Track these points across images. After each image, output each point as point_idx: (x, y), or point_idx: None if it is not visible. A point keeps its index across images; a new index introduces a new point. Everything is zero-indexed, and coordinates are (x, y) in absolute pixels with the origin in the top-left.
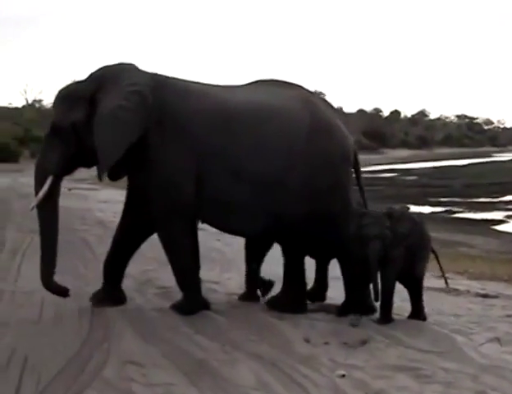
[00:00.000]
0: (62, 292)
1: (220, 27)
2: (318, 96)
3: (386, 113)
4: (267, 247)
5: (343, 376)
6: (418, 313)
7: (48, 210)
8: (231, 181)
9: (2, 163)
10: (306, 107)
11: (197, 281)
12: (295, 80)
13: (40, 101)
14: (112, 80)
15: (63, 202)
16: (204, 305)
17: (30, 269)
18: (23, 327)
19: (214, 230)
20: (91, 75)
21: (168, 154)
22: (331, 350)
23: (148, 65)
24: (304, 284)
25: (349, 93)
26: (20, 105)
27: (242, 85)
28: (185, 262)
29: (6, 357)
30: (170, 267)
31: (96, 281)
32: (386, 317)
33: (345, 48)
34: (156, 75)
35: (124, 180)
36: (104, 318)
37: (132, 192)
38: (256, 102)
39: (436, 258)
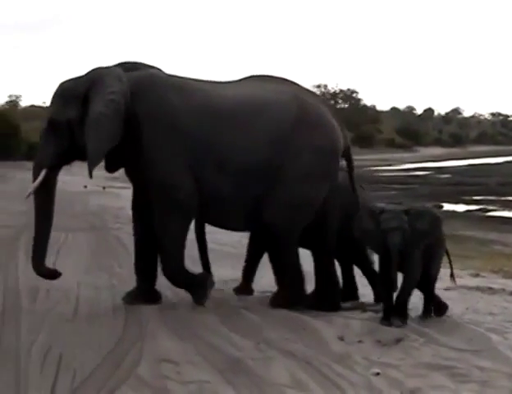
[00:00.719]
0: (54, 276)
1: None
2: (309, 91)
3: (419, 111)
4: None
5: (377, 374)
6: (429, 312)
7: (42, 200)
8: (219, 175)
9: None
10: (294, 100)
11: (190, 276)
12: (330, 78)
13: None
14: (98, 83)
15: (98, 200)
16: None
17: (65, 267)
18: (58, 325)
19: None
20: (87, 74)
21: (163, 153)
22: (365, 348)
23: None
24: (300, 273)
25: (383, 91)
26: None
27: (234, 81)
28: (179, 261)
29: (42, 354)
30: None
31: (130, 279)
32: (403, 316)
33: (379, 46)
34: (143, 76)
35: None
36: (139, 316)
37: (135, 189)
38: (244, 96)
39: (448, 256)
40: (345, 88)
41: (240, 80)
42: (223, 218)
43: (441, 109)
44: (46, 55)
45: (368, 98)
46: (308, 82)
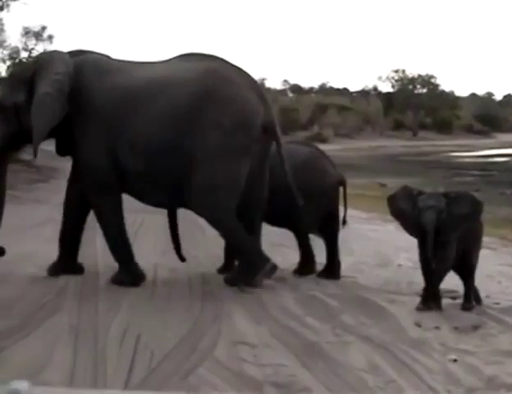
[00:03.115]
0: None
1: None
2: (234, 68)
3: (498, 97)
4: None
5: (455, 361)
6: (470, 300)
7: None
8: (133, 154)
9: None
10: (204, 78)
11: (128, 253)
12: (409, 63)
13: None
14: (44, 67)
15: None
16: (140, 277)
17: (142, 249)
18: (136, 305)
19: None
20: (35, 59)
21: (85, 135)
22: (442, 334)
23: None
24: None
25: (462, 76)
26: None
27: (160, 61)
28: (116, 236)
29: (120, 334)
30: (281, 249)
31: (206, 262)
32: (434, 300)
33: (459, 31)
34: (81, 59)
35: None
36: (215, 298)
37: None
38: (153, 76)
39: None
40: (423, 73)
41: (169, 59)
42: (148, 195)
43: None
44: (127, 35)
45: (446, 84)
46: (386, 67)
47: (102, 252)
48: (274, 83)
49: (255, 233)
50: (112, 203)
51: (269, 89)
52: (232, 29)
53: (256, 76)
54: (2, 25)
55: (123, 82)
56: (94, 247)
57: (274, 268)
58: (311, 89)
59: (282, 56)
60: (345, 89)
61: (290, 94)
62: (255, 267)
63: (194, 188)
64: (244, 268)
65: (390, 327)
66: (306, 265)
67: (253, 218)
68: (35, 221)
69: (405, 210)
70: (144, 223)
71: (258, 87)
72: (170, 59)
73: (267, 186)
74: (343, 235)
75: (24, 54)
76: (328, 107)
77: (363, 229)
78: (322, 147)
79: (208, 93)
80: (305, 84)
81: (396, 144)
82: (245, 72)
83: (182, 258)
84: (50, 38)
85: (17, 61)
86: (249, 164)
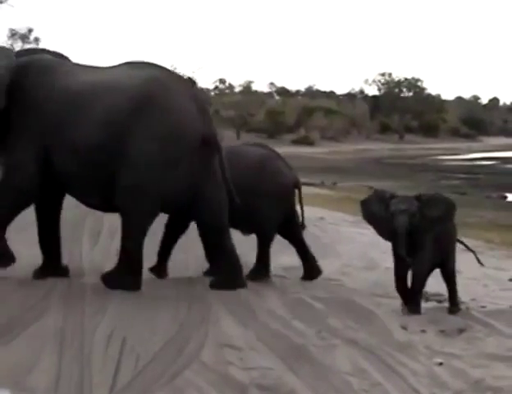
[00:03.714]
0: None
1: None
2: (176, 78)
3: (484, 101)
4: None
5: (441, 364)
6: (455, 304)
7: None
8: (68, 156)
9: None
10: (145, 86)
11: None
12: (395, 67)
13: None
14: None
15: None
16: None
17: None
18: (122, 308)
19: (311, 216)
20: None
21: (20, 131)
22: (428, 338)
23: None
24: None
25: (448, 80)
26: None
27: (109, 66)
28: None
29: (106, 337)
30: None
31: (194, 265)
32: (415, 305)
33: (444, 35)
34: (30, 57)
35: None
36: (202, 301)
37: None
38: (99, 81)
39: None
40: (409, 76)
41: (117, 65)
42: (81, 196)
43: (506, 99)
44: (114, 38)
45: (432, 87)
46: (372, 71)
47: (87, 254)
48: (260, 86)
49: (225, 236)
50: (15, 207)
51: (256, 92)
52: (219, 32)
53: (242, 79)
54: None
55: (66, 84)
56: (80, 249)
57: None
58: (297, 92)
59: (269, 58)
60: (332, 92)
61: (277, 97)
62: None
63: (123, 192)
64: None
65: (376, 331)
66: (260, 269)
67: (220, 224)
68: (19, 224)
69: (378, 214)
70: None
71: (199, 98)
72: (117, 65)
73: (224, 191)
74: (329, 238)
75: None
76: (315, 110)
77: (349, 232)
78: (309, 150)
79: (146, 102)
80: (292, 86)
81: (383, 147)
82: (187, 83)
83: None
84: (36, 40)
85: None
86: (187, 174)
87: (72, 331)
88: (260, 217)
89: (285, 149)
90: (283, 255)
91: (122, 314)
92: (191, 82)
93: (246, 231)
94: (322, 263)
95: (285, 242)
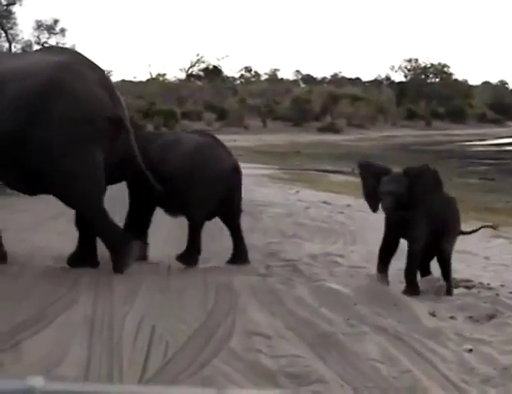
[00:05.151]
0: None
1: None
2: (90, 63)
3: None
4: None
5: (470, 350)
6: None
7: None
8: None
9: None
10: (55, 72)
11: None
12: (421, 52)
13: (164, 75)
14: None
15: None
16: None
17: (156, 239)
18: (151, 297)
19: (338, 203)
20: None
21: None
22: (457, 324)
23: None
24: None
25: (475, 65)
26: (144, 79)
27: (23, 52)
28: None
29: (135, 326)
30: (294, 239)
31: (224, 253)
32: (413, 286)
33: (471, 20)
34: None
35: (249, 154)
36: (230, 289)
37: None
38: (9, 66)
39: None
40: (436, 62)
41: (32, 51)
42: (7, 181)
43: None
44: (136, 30)
45: (459, 73)
46: (398, 57)
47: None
48: (286, 73)
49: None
50: None
51: (282, 80)
52: (245, 20)
53: (268, 67)
54: (15, 18)
55: None
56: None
57: (143, 248)
58: (323, 80)
59: (294, 46)
60: (358, 79)
61: (303, 85)
62: (121, 250)
63: (56, 178)
64: (113, 252)
65: (404, 317)
66: (189, 254)
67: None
68: (48, 215)
69: (370, 191)
70: (158, 214)
71: (108, 82)
72: (32, 51)
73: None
74: (357, 225)
75: (36, 48)
76: (341, 97)
77: (377, 219)
78: (335, 137)
79: (55, 86)
80: (317, 74)
81: (409, 134)
82: (99, 68)
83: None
84: (62, 31)
85: None
86: (101, 154)
87: (102, 320)
88: (193, 201)
89: (311, 137)
90: (310, 243)
91: (151, 303)
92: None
93: (177, 213)
94: (349, 249)
95: (314, 230)
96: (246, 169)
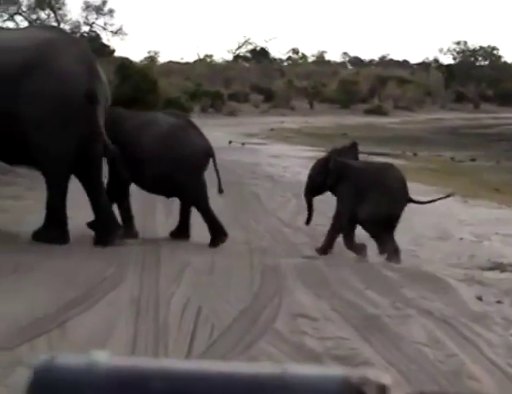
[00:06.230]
0: None
1: None
2: (74, 41)
3: None
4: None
5: None
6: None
7: None
8: None
9: None
10: (37, 48)
11: None
12: (471, 35)
13: (211, 56)
14: None
15: (236, 156)
16: None
17: (201, 222)
18: (196, 278)
19: None
20: None
21: None
22: (504, 308)
23: None
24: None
25: None
26: (191, 60)
27: (10, 29)
28: None
29: (181, 307)
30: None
31: (267, 235)
32: (323, 248)
33: None
34: None
35: (296, 136)
36: (275, 271)
37: None
38: None
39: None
40: (485, 44)
41: (20, 28)
42: None
43: None
44: (183, 11)
45: (509, 55)
46: (447, 39)
47: (161, 225)
48: (334, 56)
49: (96, 192)
50: None
51: (329, 62)
52: (293, 1)
53: (315, 49)
54: None
55: None
56: (154, 220)
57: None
58: (371, 62)
59: (342, 28)
60: (406, 62)
61: (350, 67)
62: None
63: (37, 154)
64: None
65: (451, 301)
66: (181, 231)
67: (92, 178)
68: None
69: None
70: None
71: (90, 61)
72: (19, 28)
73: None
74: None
75: (85, 28)
76: (388, 79)
77: None
78: (382, 120)
79: (34, 62)
80: (365, 56)
81: (457, 117)
82: (82, 45)
83: None
84: (111, 12)
85: (78, 35)
86: (78, 129)
87: (148, 300)
88: (171, 182)
89: (358, 119)
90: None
91: (197, 284)
92: (84, 43)
93: (151, 191)
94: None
95: None
96: (293, 151)
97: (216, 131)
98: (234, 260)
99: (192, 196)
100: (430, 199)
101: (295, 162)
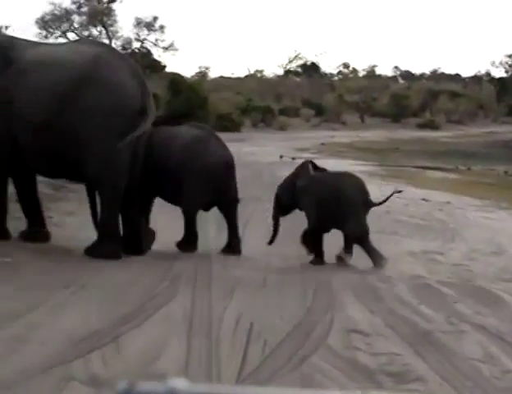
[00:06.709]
0: None
1: None
2: (119, 55)
3: None
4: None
5: None
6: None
7: None
8: (21, 127)
9: (225, 132)
10: (90, 62)
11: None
12: None
13: (262, 71)
14: None
15: (287, 170)
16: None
17: (254, 237)
18: (248, 293)
19: (437, 200)
20: None
21: None
22: None
23: None
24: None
25: None
26: (242, 75)
27: (57, 43)
28: None
29: (233, 323)
30: (393, 236)
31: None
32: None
33: None
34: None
35: (347, 150)
36: (328, 287)
37: None
38: (45, 55)
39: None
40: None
41: (65, 42)
42: (37, 165)
43: None
44: (234, 26)
45: None
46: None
47: (214, 239)
48: (385, 70)
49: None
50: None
51: (380, 76)
52: (342, 16)
53: (366, 64)
54: (115, 16)
55: (17, 61)
56: (206, 234)
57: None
58: (422, 76)
59: (393, 42)
60: (457, 75)
61: (401, 81)
62: (107, 240)
63: (84, 166)
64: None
65: (506, 316)
66: (188, 242)
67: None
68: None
69: None
70: (255, 211)
71: (139, 75)
72: (68, 42)
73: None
74: (456, 222)
75: (136, 44)
76: (440, 93)
77: (477, 216)
78: (434, 134)
79: (88, 76)
80: (416, 70)
81: (510, 130)
82: (129, 61)
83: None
84: (161, 28)
85: (130, 51)
86: (129, 145)
87: (200, 315)
88: (185, 192)
89: (409, 133)
90: (409, 240)
91: (249, 300)
92: (131, 59)
93: (173, 203)
94: (448, 247)
95: (413, 227)
96: (345, 165)
97: (266, 146)
98: (286, 275)
99: (189, 202)
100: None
101: None
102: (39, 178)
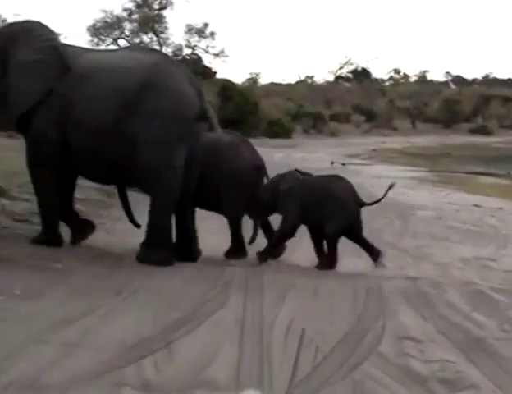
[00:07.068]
0: None
1: None
2: (173, 61)
3: None
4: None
5: None
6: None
7: None
8: (78, 133)
9: (275, 139)
10: (149, 69)
11: (54, 220)
12: None
13: (312, 77)
14: (24, 35)
15: None
16: (58, 241)
17: (304, 245)
18: (299, 299)
19: (489, 206)
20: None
21: (39, 111)
22: None
23: None
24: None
25: None
26: (292, 81)
27: (112, 49)
28: (46, 204)
29: (285, 329)
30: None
31: (370, 258)
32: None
33: None
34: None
35: (398, 156)
36: (379, 293)
37: None
38: (104, 61)
39: None
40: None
41: (119, 49)
42: (87, 170)
43: None
44: (284, 32)
45: None
46: None
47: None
48: (436, 75)
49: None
50: (49, 175)
51: (431, 82)
52: (393, 21)
53: (417, 69)
54: (166, 22)
55: (75, 65)
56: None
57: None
58: (474, 81)
59: (444, 47)
60: (510, 80)
61: (453, 86)
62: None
63: (140, 171)
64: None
65: None
66: (236, 250)
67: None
68: (199, 215)
69: None
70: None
71: (195, 81)
72: (119, 49)
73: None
74: (509, 228)
75: (187, 51)
76: (492, 98)
77: None
78: (486, 139)
79: (148, 83)
80: (468, 75)
81: None
82: (184, 67)
83: (136, 225)
84: (212, 34)
85: (180, 57)
86: (185, 151)
87: (252, 322)
88: (225, 198)
89: (461, 139)
90: (461, 246)
91: (301, 306)
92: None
93: (212, 210)
94: (501, 253)
95: (465, 233)
96: (396, 172)
97: (317, 152)
98: (337, 282)
99: (229, 209)
100: None
101: (399, 182)
102: (90, 184)
